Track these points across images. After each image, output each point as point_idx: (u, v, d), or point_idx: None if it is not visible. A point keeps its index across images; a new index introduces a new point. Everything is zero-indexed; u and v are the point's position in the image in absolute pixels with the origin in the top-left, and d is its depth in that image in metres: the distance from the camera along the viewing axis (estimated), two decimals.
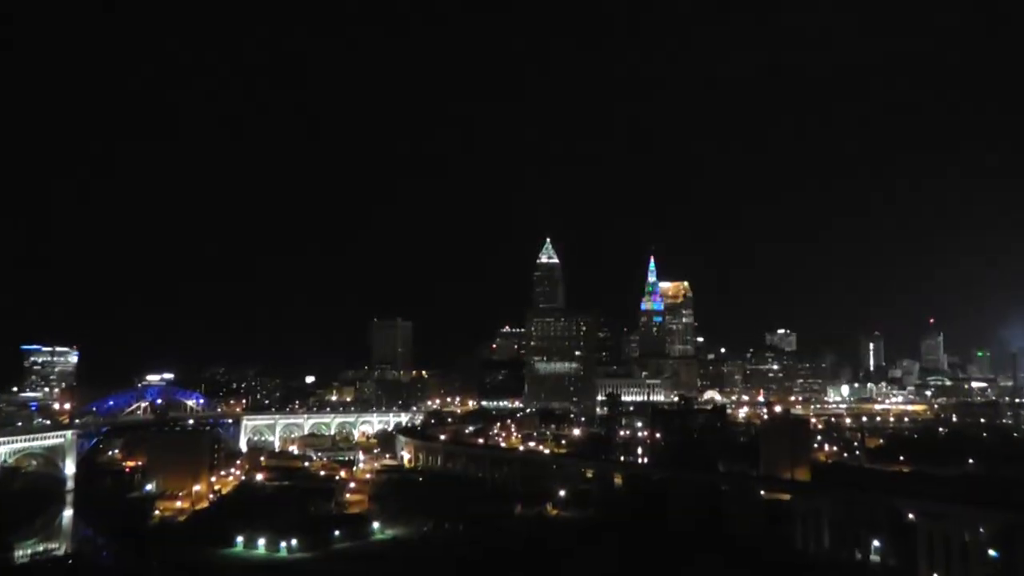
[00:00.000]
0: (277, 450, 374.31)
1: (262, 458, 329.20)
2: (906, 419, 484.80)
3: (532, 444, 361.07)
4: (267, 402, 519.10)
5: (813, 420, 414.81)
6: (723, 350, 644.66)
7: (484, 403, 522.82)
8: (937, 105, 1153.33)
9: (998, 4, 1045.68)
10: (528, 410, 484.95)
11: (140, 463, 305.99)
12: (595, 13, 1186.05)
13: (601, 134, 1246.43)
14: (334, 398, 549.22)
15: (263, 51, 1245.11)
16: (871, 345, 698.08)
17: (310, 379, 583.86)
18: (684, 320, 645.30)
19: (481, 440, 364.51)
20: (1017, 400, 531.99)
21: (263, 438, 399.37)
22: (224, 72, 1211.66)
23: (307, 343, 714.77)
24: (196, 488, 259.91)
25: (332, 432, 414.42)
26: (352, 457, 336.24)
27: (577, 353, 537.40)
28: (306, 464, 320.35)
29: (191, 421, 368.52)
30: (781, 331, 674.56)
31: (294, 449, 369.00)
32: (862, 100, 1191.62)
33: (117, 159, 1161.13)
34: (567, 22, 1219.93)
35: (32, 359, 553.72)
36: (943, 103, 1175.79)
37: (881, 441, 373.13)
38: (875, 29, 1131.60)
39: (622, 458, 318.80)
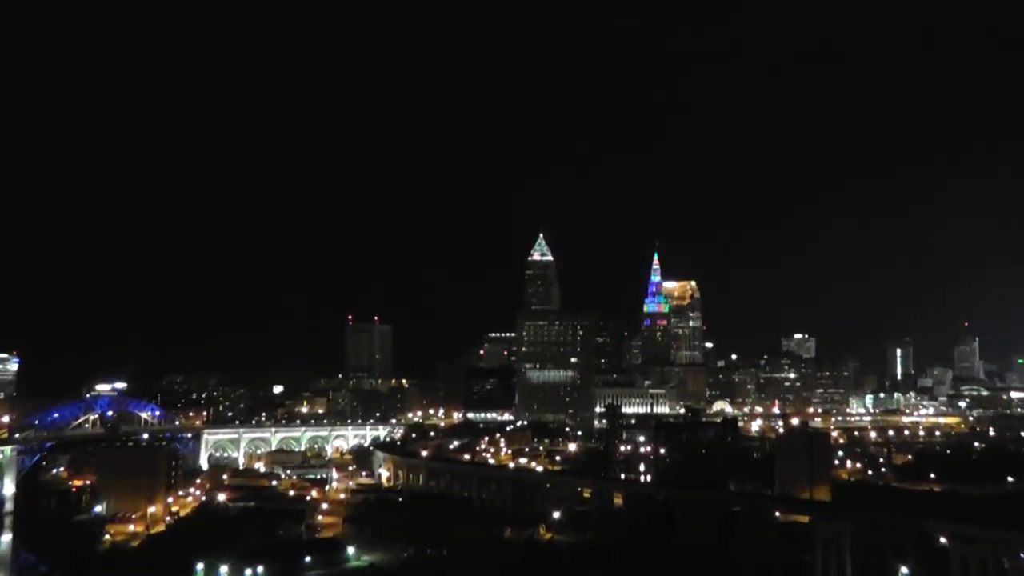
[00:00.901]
0: (241, 467, 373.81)
1: (225, 476, 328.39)
2: (938, 433, 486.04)
3: (523, 461, 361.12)
4: (230, 414, 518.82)
5: (834, 434, 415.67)
6: (734, 357, 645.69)
7: (470, 415, 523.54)
8: (974, 105, 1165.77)
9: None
10: (519, 423, 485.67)
11: (88, 482, 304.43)
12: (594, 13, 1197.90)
13: (602, 130, 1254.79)
14: (305, 410, 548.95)
15: (253, 51, 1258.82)
16: (899, 351, 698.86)
17: (278, 389, 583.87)
18: (691, 323, 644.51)
19: (467, 456, 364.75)
20: None
21: (226, 454, 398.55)
22: (213, 71, 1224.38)
23: (276, 349, 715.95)
24: (151, 510, 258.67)
25: (303, 447, 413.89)
26: (325, 475, 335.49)
27: (573, 360, 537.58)
28: (274, 483, 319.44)
29: (146, 435, 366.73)
30: (798, 336, 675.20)
31: (260, 466, 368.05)
32: (898, 98, 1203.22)
33: (78, 158, 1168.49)
34: (568, 21, 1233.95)
35: None
36: (983, 103, 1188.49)
37: (910, 457, 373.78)
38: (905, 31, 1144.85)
39: (623, 476, 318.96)
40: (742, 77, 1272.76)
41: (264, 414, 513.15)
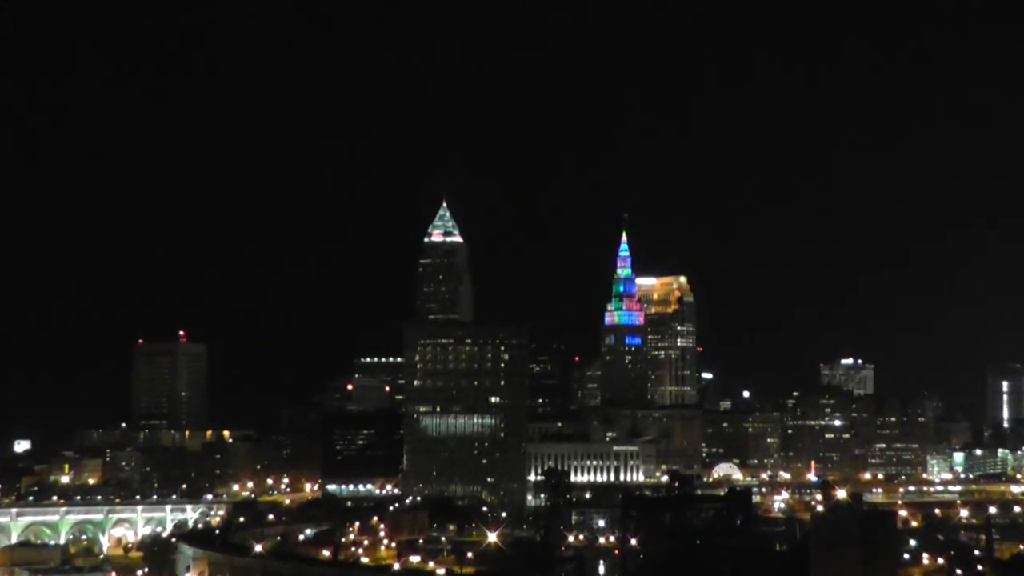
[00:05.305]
0: None
1: None
2: None
3: (416, 559, 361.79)
4: None
5: (903, 512, 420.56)
6: (746, 394, 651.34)
7: (332, 487, 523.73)
8: None
9: None
10: (409, 499, 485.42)
11: None
12: None
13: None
14: (67, 479, 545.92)
15: None
16: (1004, 385, 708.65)
17: (23, 446, 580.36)
18: (679, 342, 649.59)
19: (327, 552, 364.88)
20: None
21: None
22: None
23: (22, 386, 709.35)
24: None
25: (62, 539, 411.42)
26: None
27: (494, 399, 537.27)
28: None
29: None
30: (847, 362, 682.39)
31: None
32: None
33: None
34: None
35: None
36: None
37: (1022, 547, 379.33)
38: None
39: None
40: None
41: (1, 487, 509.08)
